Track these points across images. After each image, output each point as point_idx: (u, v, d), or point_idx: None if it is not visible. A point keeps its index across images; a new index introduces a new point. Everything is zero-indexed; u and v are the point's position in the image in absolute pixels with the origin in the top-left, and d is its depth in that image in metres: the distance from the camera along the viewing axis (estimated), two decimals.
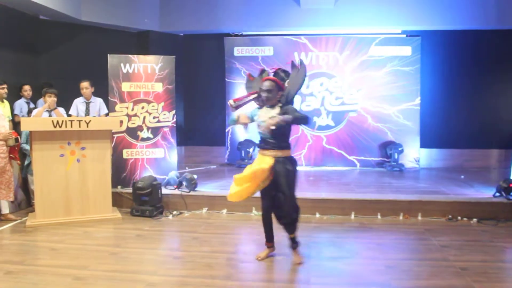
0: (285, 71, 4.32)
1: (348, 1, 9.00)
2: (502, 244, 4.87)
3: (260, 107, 4.29)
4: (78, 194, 5.76)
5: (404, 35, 9.40)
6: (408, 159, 9.27)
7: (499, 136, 9.24)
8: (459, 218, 5.83)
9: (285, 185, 4.10)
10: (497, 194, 6.14)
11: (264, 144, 4.23)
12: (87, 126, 5.72)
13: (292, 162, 4.22)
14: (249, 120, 4.23)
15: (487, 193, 6.39)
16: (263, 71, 4.58)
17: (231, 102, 4.32)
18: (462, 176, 8.11)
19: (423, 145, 9.39)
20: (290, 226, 4.30)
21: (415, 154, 9.33)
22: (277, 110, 4.14)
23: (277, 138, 4.14)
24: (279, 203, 4.21)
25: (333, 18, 9.09)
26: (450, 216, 5.84)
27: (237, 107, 4.30)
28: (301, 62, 4.33)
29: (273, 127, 3.92)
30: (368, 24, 9.09)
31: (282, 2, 9.18)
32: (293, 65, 4.36)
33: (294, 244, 4.37)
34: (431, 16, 8.87)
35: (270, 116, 4.05)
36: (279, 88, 4.17)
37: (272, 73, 4.35)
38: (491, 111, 9.33)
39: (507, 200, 5.94)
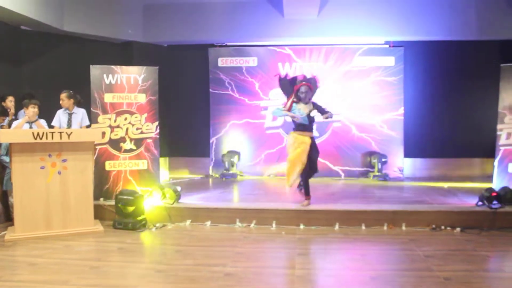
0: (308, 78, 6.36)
1: (332, 11, 9.06)
2: (485, 253, 4.88)
3: (297, 102, 6.23)
4: (59, 207, 5.65)
5: (387, 46, 9.48)
6: (392, 169, 9.31)
7: (482, 145, 9.29)
8: (442, 227, 5.84)
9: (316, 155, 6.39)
10: (480, 203, 6.18)
11: (303, 128, 6.24)
12: (69, 138, 5.64)
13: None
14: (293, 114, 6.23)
15: (470, 202, 6.43)
16: (293, 77, 6.45)
17: (286, 112, 6.29)
18: (446, 186, 8.15)
19: (407, 154, 9.45)
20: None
21: (399, 164, 9.38)
22: (310, 105, 6.26)
23: (311, 125, 6.29)
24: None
25: (317, 28, 9.14)
26: (434, 226, 5.85)
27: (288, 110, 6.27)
28: (313, 76, 6.40)
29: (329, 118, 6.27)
30: (351, 35, 9.15)
31: (266, 12, 9.21)
32: (305, 78, 6.32)
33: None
34: (414, 27, 8.97)
35: (309, 109, 6.23)
36: (311, 90, 6.26)
37: (303, 79, 6.30)
38: (473, 120, 9.42)
39: (489, 209, 5.98)
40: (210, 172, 9.80)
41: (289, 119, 6.78)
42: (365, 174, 9.37)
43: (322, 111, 6.30)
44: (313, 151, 6.27)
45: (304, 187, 6.37)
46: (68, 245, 5.22)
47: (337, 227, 5.92)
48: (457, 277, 4.12)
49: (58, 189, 5.65)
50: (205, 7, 9.32)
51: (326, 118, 6.19)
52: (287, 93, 6.38)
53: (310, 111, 6.24)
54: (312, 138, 6.30)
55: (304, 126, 6.25)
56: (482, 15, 8.87)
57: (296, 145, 6.19)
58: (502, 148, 6.60)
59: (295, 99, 6.24)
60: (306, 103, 6.24)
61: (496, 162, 6.66)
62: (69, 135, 5.64)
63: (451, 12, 8.90)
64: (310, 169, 6.32)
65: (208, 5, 9.31)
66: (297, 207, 6.23)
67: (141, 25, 9.44)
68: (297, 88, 6.23)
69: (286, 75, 6.61)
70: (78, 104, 6.67)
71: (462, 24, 8.91)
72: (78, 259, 4.73)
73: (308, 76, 6.41)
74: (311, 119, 6.28)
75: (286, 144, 6.49)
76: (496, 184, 6.56)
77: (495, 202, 6.10)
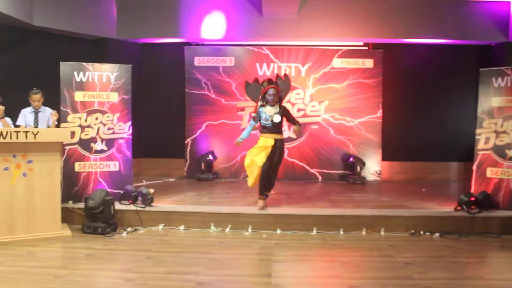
0: (273, 81, 6.42)
1: (311, 12, 8.92)
2: (465, 260, 4.82)
3: (264, 106, 6.24)
4: (24, 210, 5.35)
5: (367, 48, 9.40)
6: (370, 172, 9.24)
7: (459, 149, 9.33)
8: (421, 232, 5.77)
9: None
10: (459, 208, 6.12)
11: (266, 130, 6.26)
12: (35, 138, 5.34)
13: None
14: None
15: (448, 207, 6.38)
16: (256, 79, 6.73)
17: (253, 115, 6.38)
18: (424, 189, 8.11)
19: (385, 157, 9.39)
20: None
21: (377, 167, 9.30)
22: (276, 108, 6.22)
23: (274, 127, 6.23)
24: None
25: (296, 28, 8.99)
26: (413, 231, 5.77)
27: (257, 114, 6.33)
28: (286, 75, 6.70)
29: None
30: (330, 36, 9.03)
31: (244, 11, 9.02)
32: (278, 76, 6.53)
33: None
34: (393, 29, 8.91)
35: (275, 112, 6.17)
36: (278, 93, 6.24)
37: (267, 81, 6.36)
38: (451, 123, 9.44)
39: (468, 214, 5.93)
40: (185, 174, 9.55)
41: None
42: (343, 177, 9.25)
43: (290, 119, 6.41)
44: (274, 156, 6.23)
45: (260, 185, 6.30)
46: (32, 252, 4.93)
47: (314, 232, 5.78)
48: (438, 285, 4.04)
49: (23, 192, 5.36)
50: (182, 4, 9.09)
51: (295, 131, 6.42)
52: (254, 98, 6.59)
53: (275, 113, 6.18)
54: (277, 141, 6.24)
55: (267, 128, 6.24)
56: (460, 18, 8.87)
57: (258, 148, 6.24)
58: (480, 153, 6.55)
59: (262, 103, 6.25)
60: (273, 106, 6.21)
61: (474, 167, 6.60)
62: (35, 135, 5.34)
63: (430, 15, 8.87)
64: (267, 178, 6.28)
65: (185, 3, 9.08)
66: (274, 211, 6.08)
67: (115, 21, 9.14)
68: (264, 91, 6.25)
69: (256, 79, 6.81)
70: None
71: (441, 27, 8.90)
72: (42, 267, 4.47)
73: (282, 75, 6.52)
74: (275, 122, 6.22)
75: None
76: (475, 188, 6.50)
77: (473, 207, 6.06)
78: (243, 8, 9.02)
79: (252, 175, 6.29)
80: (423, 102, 9.51)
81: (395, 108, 9.43)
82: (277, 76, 6.40)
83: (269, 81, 6.38)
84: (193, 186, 8.38)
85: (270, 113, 6.18)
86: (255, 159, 6.18)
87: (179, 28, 9.15)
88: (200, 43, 9.57)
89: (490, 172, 6.43)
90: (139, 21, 9.16)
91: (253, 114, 6.41)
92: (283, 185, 8.46)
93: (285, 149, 6.45)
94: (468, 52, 9.38)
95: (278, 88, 6.25)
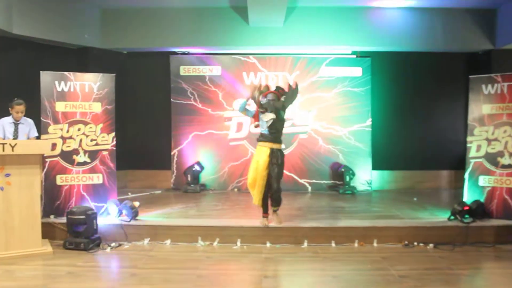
0: (281, 88, 6.08)
1: (298, 20, 8.83)
2: (461, 271, 4.70)
3: (263, 112, 5.80)
4: (1, 226, 5.09)
5: (355, 56, 9.32)
6: (360, 181, 9.10)
7: (449, 157, 9.29)
8: (415, 243, 5.63)
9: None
10: (452, 217, 6.02)
11: (262, 138, 5.91)
12: (13, 150, 5.11)
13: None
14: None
15: (441, 216, 6.28)
16: (260, 85, 6.15)
17: (256, 124, 6.01)
18: (415, 199, 7.99)
19: (375, 167, 9.27)
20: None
21: (367, 176, 9.18)
22: (273, 114, 5.79)
23: (272, 134, 5.86)
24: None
25: (283, 37, 8.90)
26: (406, 242, 5.63)
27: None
28: (296, 83, 6.07)
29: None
30: (318, 44, 8.95)
31: (230, 20, 8.89)
32: (289, 85, 6.02)
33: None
34: (381, 37, 8.87)
35: (270, 118, 5.77)
36: (278, 99, 5.90)
37: (275, 87, 6.08)
38: (440, 132, 9.40)
39: (462, 224, 5.81)
40: (172, 186, 9.33)
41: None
42: (332, 187, 9.11)
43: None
44: (273, 165, 5.81)
45: (262, 203, 5.91)
46: (10, 270, 4.68)
47: (305, 244, 5.60)
48: None
49: (0, 207, 5.10)
50: (167, 12, 8.93)
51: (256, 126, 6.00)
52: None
53: (271, 119, 5.78)
54: (273, 150, 5.82)
55: (263, 136, 5.90)
56: (448, 27, 8.87)
57: (256, 158, 5.89)
58: (472, 161, 6.45)
59: (261, 109, 5.83)
60: (271, 111, 5.79)
61: (466, 175, 6.50)
62: (13, 147, 5.11)
63: (418, 23, 8.85)
64: (268, 187, 5.85)
65: (171, 11, 8.92)
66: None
67: (99, 30, 8.95)
68: (264, 96, 5.92)
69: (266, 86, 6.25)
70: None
71: (428, 36, 8.89)
72: (19, 286, 4.25)
73: (291, 84, 6.07)
74: (273, 128, 5.82)
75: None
76: (467, 197, 6.40)
77: (467, 216, 5.95)
78: (229, 16, 8.90)
79: (256, 191, 5.83)
80: (411, 110, 9.46)
81: (383, 116, 9.34)
82: (289, 85, 5.99)
83: (277, 88, 6.07)
84: (180, 198, 8.17)
85: (266, 118, 5.81)
86: (254, 175, 5.83)
87: (164, 37, 8.99)
88: (186, 52, 9.40)
89: (482, 180, 6.33)
90: (124, 30, 9.02)
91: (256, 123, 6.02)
92: None
93: (283, 160, 5.99)
94: (456, 59, 9.37)
95: (279, 95, 5.92)
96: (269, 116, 5.77)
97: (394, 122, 9.41)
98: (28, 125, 6.14)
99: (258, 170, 5.78)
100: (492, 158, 6.28)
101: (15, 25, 7.65)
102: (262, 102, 5.85)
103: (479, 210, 6.07)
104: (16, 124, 6.08)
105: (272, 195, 5.89)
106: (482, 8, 8.75)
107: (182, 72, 9.34)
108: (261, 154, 5.82)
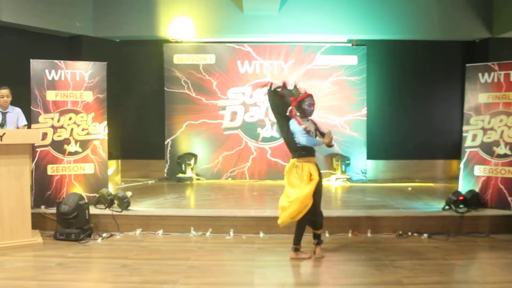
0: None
1: (293, 8, 8.72)
2: (455, 262, 4.66)
3: (302, 118, 4.74)
4: None
5: (350, 44, 9.22)
6: (355, 171, 9.05)
7: (444, 147, 9.25)
8: (409, 233, 5.58)
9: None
10: (447, 207, 5.97)
11: (308, 153, 4.72)
12: (1, 140, 5.02)
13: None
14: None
15: (435, 206, 6.24)
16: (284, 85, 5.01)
17: (319, 139, 4.74)
18: (409, 188, 7.96)
19: (370, 156, 9.22)
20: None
21: (362, 166, 9.13)
22: (311, 121, 4.82)
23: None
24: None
25: (278, 25, 8.79)
26: (400, 232, 5.58)
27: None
28: (295, 86, 4.90)
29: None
30: (313, 32, 8.84)
31: (224, 7, 8.77)
32: (295, 87, 4.90)
33: (320, 240, 4.86)
34: (377, 25, 8.77)
35: (314, 127, 4.77)
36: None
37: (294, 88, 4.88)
38: (435, 121, 9.35)
39: (456, 213, 5.77)
40: (165, 175, 9.26)
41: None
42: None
43: (320, 131, 4.88)
44: (320, 187, 4.76)
45: (296, 232, 4.81)
46: None
47: None
48: None
49: None
50: (160, 0, 8.80)
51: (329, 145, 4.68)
52: (276, 106, 4.96)
53: (315, 129, 4.81)
54: (317, 165, 4.82)
55: (307, 150, 4.73)
56: (444, 15, 8.79)
57: (305, 177, 4.67)
58: (468, 150, 6.40)
59: (300, 114, 4.76)
60: (308, 120, 4.81)
61: (462, 165, 6.45)
62: (1, 137, 5.02)
63: (415, 12, 8.77)
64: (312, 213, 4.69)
65: None
66: (257, 214, 5.83)
67: (91, 17, 8.80)
68: (301, 99, 4.80)
69: (285, 84, 5.04)
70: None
71: (425, 24, 8.81)
72: (9, 278, 4.16)
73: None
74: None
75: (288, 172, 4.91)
76: (462, 187, 6.35)
77: (461, 206, 5.91)
78: (223, 4, 8.79)
79: (289, 210, 4.64)
80: (407, 99, 9.40)
81: (379, 105, 9.28)
82: (295, 86, 4.90)
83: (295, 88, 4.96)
84: (173, 188, 8.10)
85: (311, 127, 4.74)
86: (301, 197, 4.57)
87: (157, 24, 8.87)
88: (179, 40, 9.28)
89: (478, 170, 6.29)
90: (116, 18, 8.88)
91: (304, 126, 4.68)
92: (266, 186, 8.23)
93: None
94: (453, 48, 9.30)
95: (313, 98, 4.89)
96: (313, 126, 4.81)
97: (389, 111, 9.35)
98: (16, 114, 6.02)
99: (318, 192, 4.71)
100: (487, 148, 6.23)
101: (5, 12, 7.52)
102: (303, 107, 4.78)
103: (473, 200, 6.03)
104: (3, 113, 5.96)
105: (316, 219, 4.80)
106: None
107: (175, 61, 9.23)
108: (317, 172, 4.74)
